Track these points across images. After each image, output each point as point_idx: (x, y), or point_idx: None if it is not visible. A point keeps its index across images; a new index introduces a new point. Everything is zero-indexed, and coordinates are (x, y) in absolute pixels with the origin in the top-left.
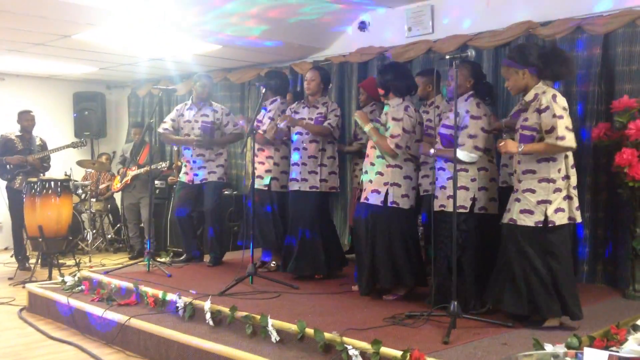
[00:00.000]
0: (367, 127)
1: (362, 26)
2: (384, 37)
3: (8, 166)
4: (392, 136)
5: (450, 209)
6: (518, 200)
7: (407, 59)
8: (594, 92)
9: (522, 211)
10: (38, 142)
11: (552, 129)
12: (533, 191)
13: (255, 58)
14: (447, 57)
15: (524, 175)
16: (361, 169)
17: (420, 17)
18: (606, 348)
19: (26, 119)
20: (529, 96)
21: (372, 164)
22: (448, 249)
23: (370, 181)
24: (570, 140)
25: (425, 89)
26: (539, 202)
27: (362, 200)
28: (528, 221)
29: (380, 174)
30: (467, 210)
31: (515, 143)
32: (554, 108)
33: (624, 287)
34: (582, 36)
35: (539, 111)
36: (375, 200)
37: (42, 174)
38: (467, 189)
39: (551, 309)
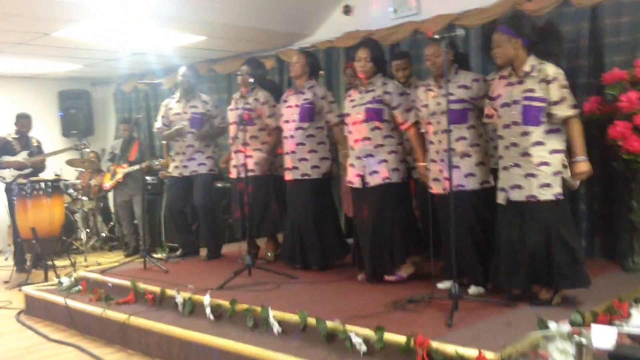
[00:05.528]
0: None
1: (347, 10)
2: (369, 20)
3: (8, 170)
4: (408, 110)
5: (470, 187)
6: (532, 175)
7: (393, 41)
8: (583, 65)
9: (542, 185)
10: (34, 143)
11: (563, 100)
12: (547, 164)
13: (240, 48)
14: (437, 37)
15: (534, 147)
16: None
17: None
18: (610, 323)
19: (23, 125)
20: (527, 67)
21: (381, 145)
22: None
23: (385, 161)
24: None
25: (404, 71)
26: (554, 174)
27: (378, 181)
28: (549, 195)
29: (395, 152)
30: (492, 184)
31: (587, 163)
32: (560, 79)
33: (622, 260)
34: (569, 10)
35: (547, 82)
36: (397, 178)
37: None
38: (483, 164)
39: (580, 279)
